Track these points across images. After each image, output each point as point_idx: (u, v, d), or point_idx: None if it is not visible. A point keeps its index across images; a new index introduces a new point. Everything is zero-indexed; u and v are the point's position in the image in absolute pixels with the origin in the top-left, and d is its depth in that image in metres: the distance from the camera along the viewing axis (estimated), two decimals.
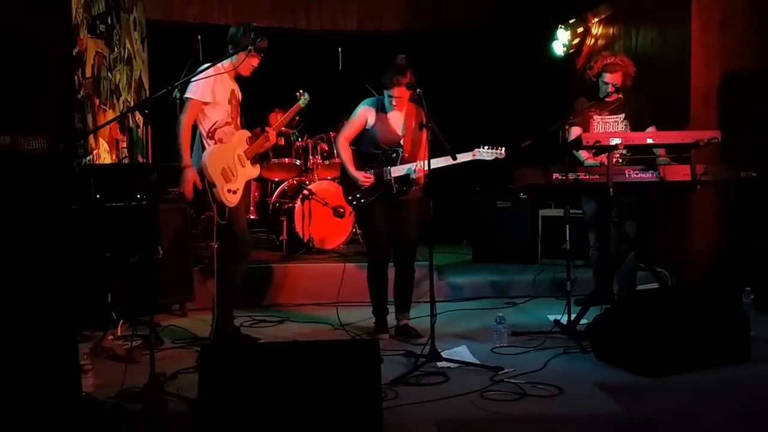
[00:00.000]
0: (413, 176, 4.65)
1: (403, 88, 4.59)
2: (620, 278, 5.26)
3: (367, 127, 4.77)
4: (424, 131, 4.67)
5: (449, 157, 4.46)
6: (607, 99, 5.15)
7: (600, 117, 5.24)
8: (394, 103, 4.68)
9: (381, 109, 4.75)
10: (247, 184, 4.70)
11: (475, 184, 7.29)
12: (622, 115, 5.20)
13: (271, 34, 4.81)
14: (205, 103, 4.40)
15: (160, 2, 7.91)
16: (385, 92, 4.67)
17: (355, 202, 4.81)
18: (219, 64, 4.40)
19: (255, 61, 4.53)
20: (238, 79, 4.65)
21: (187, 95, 4.39)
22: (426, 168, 4.46)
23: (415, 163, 4.65)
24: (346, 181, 4.86)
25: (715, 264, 5.79)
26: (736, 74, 6.03)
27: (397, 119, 4.76)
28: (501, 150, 4.63)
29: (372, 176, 4.72)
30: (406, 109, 4.76)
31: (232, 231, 4.56)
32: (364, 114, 4.77)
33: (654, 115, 5.17)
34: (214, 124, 4.47)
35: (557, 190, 5.30)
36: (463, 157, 4.53)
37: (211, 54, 4.43)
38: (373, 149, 4.77)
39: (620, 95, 5.10)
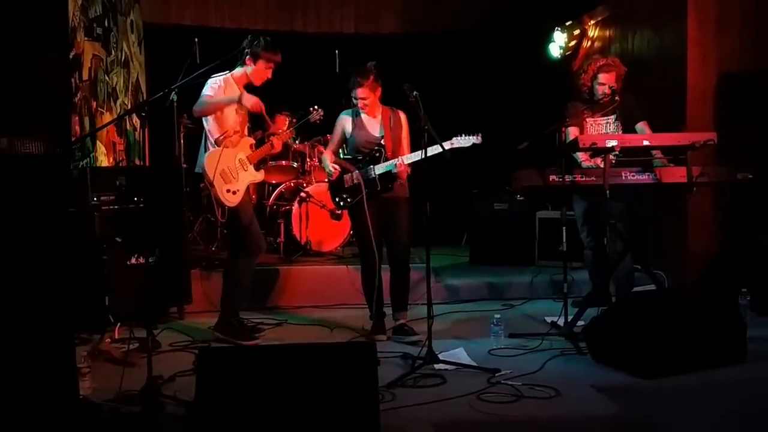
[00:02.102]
0: (395, 171, 4.76)
1: (366, 89, 4.76)
2: (616, 279, 5.26)
3: (347, 136, 4.97)
4: (402, 130, 4.90)
5: (435, 147, 4.51)
6: (602, 101, 5.16)
7: (593, 119, 5.28)
8: (360, 105, 4.83)
9: (356, 117, 4.92)
10: (254, 186, 4.85)
11: (472, 186, 7.31)
12: (613, 116, 5.23)
13: (268, 36, 4.84)
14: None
15: (157, 5, 7.91)
16: (352, 95, 4.83)
17: (342, 203, 4.96)
18: (229, 74, 4.69)
19: (269, 73, 4.78)
20: (248, 88, 4.83)
21: (204, 95, 4.63)
22: (406, 162, 4.71)
23: (396, 159, 4.77)
24: (332, 183, 5.00)
25: (711, 265, 5.80)
26: (733, 75, 6.05)
27: (373, 122, 4.92)
28: (478, 136, 4.68)
29: (339, 169, 4.89)
30: (381, 112, 4.92)
31: (241, 229, 4.79)
32: (341, 125, 4.98)
33: (643, 111, 5.20)
34: (223, 134, 4.71)
35: (554, 192, 5.31)
36: (444, 146, 4.55)
37: (208, 57, 4.46)
38: (356, 153, 4.94)
39: (617, 98, 5.11)
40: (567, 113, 5.25)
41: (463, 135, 4.68)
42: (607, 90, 5.14)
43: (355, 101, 4.85)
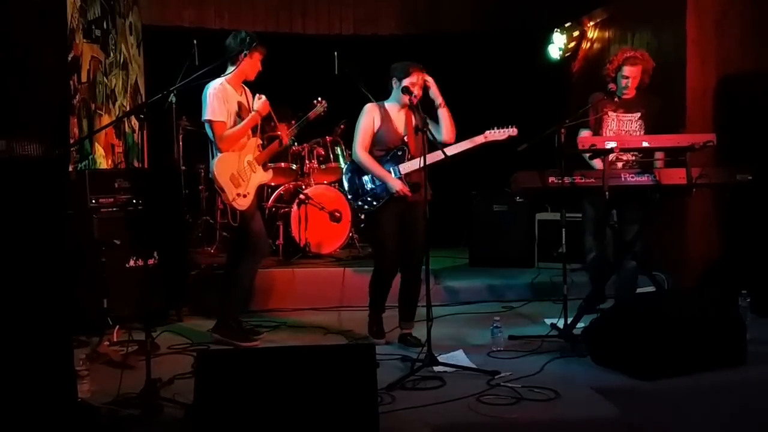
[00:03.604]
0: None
1: (422, 72, 4.59)
2: (620, 284, 5.22)
3: (375, 131, 4.67)
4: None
5: (466, 142, 4.54)
6: (624, 97, 5.05)
7: (615, 114, 5.11)
8: (415, 91, 4.53)
9: (383, 109, 4.69)
10: (260, 189, 4.88)
11: (471, 188, 7.30)
12: (638, 114, 5.09)
13: (267, 38, 4.85)
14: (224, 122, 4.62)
15: (156, 7, 7.91)
16: (403, 82, 4.56)
17: (366, 207, 4.66)
18: (223, 79, 4.62)
19: (260, 65, 4.75)
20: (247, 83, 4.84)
21: (210, 118, 4.58)
22: (449, 154, 4.45)
23: (419, 159, 4.43)
24: (352, 186, 4.75)
25: (711, 267, 5.80)
26: (732, 76, 6.04)
27: (399, 117, 4.71)
28: (513, 128, 4.64)
29: (407, 186, 4.58)
30: (405, 109, 4.72)
31: (247, 231, 4.76)
32: (371, 116, 4.65)
33: (665, 121, 5.08)
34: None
35: (554, 194, 5.28)
36: (477, 140, 4.55)
37: (208, 58, 4.45)
38: (377, 151, 4.68)
39: (634, 89, 5.02)
40: (589, 103, 5.13)
41: (496, 128, 4.62)
42: (630, 84, 5.03)
43: (405, 85, 4.54)
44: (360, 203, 4.70)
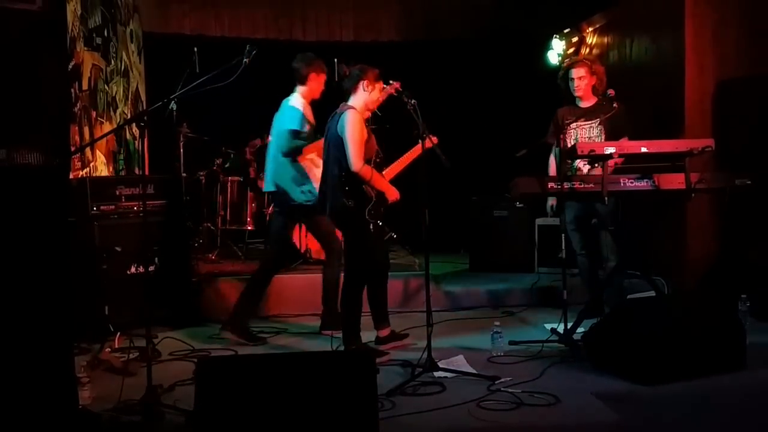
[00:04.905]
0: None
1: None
2: (607, 295, 5.22)
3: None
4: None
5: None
6: (582, 104, 5.16)
7: (576, 124, 5.13)
8: (380, 99, 4.66)
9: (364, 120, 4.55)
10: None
11: (471, 194, 7.32)
12: (597, 120, 5.13)
13: (267, 46, 4.87)
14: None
15: (157, 15, 7.95)
16: (378, 87, 4.56)
17: (377, 214, 4.47)
18: (299, 96, 4.97)
19: (323, 84, 5.06)
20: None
21: (297, 128, 4.88)
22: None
23: (399, 162, 4.78)
24: (357, 196, 4.43)
25: (710, 271, 5.80)
26: (730, 82, 6.05)
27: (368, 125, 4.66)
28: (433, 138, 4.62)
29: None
30: None
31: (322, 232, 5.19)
32: (363, 129, 4.44)
33: (631, 123, 5.12)
34: None
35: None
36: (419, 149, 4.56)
37: (208, 66, 4.46)
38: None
39: (615, 105, 5.05)
40: (554, 122, 5.22)
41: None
42: (583, 86, 5.14)
43: (372, 98, 4.58)
44: (373, 212, 4.44)
